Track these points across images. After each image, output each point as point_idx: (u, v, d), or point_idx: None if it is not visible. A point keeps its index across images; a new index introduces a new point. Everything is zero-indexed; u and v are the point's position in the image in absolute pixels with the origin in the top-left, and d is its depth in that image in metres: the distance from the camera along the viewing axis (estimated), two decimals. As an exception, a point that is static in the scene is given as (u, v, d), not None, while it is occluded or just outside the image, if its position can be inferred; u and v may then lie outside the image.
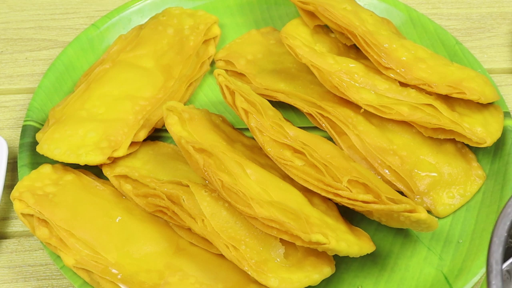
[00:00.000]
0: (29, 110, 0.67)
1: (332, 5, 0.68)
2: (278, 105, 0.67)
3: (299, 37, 0.69)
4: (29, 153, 0.64)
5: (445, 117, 0.63)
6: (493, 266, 0.41)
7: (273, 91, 0.68)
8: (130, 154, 0.64)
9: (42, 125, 0.66)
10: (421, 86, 0.65)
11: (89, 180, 0.62)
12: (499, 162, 0.65)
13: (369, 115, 0.65)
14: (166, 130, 0.65)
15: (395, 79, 0.66)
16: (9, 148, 0.66)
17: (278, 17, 0.77)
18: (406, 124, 0.65)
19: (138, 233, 0.58)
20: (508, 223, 0.43)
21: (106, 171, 0.62)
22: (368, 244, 0.57)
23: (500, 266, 0.41)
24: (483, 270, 0.57)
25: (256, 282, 0.54)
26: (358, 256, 0.56)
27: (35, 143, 0.64)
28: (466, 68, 0.68)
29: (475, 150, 0.66)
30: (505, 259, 0.48)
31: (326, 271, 0.55)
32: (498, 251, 0.42)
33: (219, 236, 0.55)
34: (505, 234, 0.43)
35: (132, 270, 0.56)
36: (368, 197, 0.56)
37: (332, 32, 0.71)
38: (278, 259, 0.55)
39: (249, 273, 0.54)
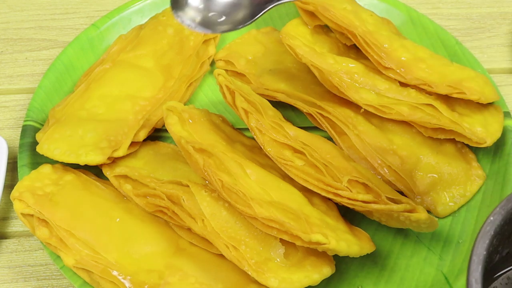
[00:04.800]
0: (29, 110, 0.67)
1: (332, 5, 0.68)
2: (278, 105, 0.67)
3: (299, 37, 0.69)
4: (29, 153, 0.64)
5: (445, 117, 0.63)
6: (473, 285, 0.41)
7: (273, 91, 0.68)
8: (130, 154, 0.64)
9: (42, 125, 0.66)
10: (421, 86, 0.65)
11: (89, 180, 0.62)
12: (499, 162, 0.65)
13: (369, 115, 0.65)
14: (166, 130, 0.65)
15: (395, 79, 0.66)
16: (9, 148, 0.66)
17: (278, 17, 0.77)
18: (406, 124, 0.65)
19: (138, 233, 0.58)
20: (487, 241, 0.43)
21: (106, 171, 0.62)
22: (368, 244, 0.57)
23: (480, 285, 0.41)
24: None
25: (256, 282, 0.55)
26: (358, 256, 0.56)
27: (35, 143, 0.64)
28: (466, 68, 0.68)
29: (475, 150, 0.66)
30: (506, 265, 0.48)
31: (326, 271, 0.55)
32: (477, 270, 0.42)
33: (219, 236, 0.55)
34: (484, 253, 0.43)
35: (132, 270, 0.56)
36: (368, 197, 0.56)
37: (332, 32, 0.71)
38: (278, 259, 0.55)
39: (249, 273, 0.54)
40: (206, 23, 0.51)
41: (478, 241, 0.43)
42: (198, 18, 0.50)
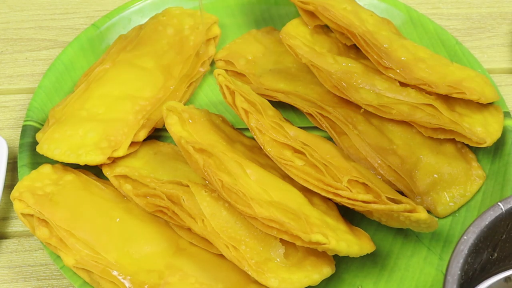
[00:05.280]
0: (29, 110, 0.67)
1: (332, 5, 0.68)
2: (278, 105, 0.67)
3: (299, 37, 0.69)
4: (29, 153, 0.64)
5: (445, 117, 0.63)
6: None
7: (273, 91, 0.68)
8: (130, 154, 0.64)
9: (42, 125, 0.66)
10: (421, 86, 0.65)
11: (89, 180, 0.62)
12: (499, 162, 0.65)
13: (369, 115, 0.65)
14: (166, 130, 0.65)
15: (395, 79, 0.66)
16: (9, 148, 0.66)
17: (278, 17, 0.77)
18: (406, 124, 0.65)
19: (138, 233, 0.58)
20: (462, 260, 0.43)
21: (106, 171, 0.62)
22: (368, 244, 0.57)
23: None
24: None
25: (256, 282, 0.54)
26: (358, 256, 0.56)
27: (35, 143, 0.64)
28: (466, 68, 0.68)
29: (475, 150, 0.66)
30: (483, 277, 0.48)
31: (326, 271, 0.55)
32: None
33: (219, 236, 0.55)
34: (459, 272, 0.43)
35: (132, 270, 0.56)
36: (368, 197, 0.56)
37: (332, 32, 0.71)
38: (278, 259, 0.55)
39: (249, 273, 0.54)
40: None
41: (452, 261, 0.43)
42: None
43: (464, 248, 0.44)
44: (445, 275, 0.42)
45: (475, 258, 0.46)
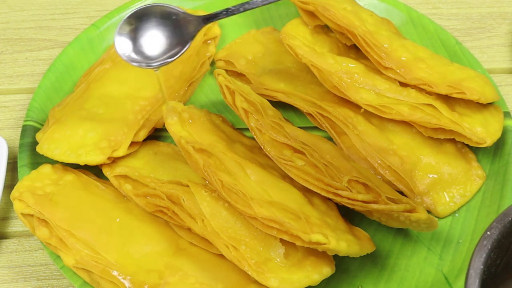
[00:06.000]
0: (29, 110, 0.67)
1: (332, 5, 0.68)
2: (278, 105, 0.67)
3: (299, 37, 0.69)
4: (29, 153, 0.64)
5: (445, 117, 0.63)
6: None
7: (273, 91, 0.68)
8: (130, 154, 0.64)
9: (42, 125, 0.66)
10: (421, 86, 0.65)
11: (89, 180, 0.62)
12: (499, 162, 0.65)
13: (369, 115, 0.65)
14: (166, 130, 0.65)
15: (395, 79, 0.66)
16: (9, 148, 0.66)
17: (278, 17, 0.77)
18: (406, 124, 0.65)
19: (138, 233, 0.58)
20: (484, 255, 0.44)
21: (106, 171, 0.62)
22: (368, 244, 0.57)
23: None
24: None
25: (256, 282, 0.55)
26: (358, 256, 0.56)
27: (35, 143, 0.64)
28: (466, 68, 0.68)
29: (475, 150, 0.66)
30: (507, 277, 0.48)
31: (326, 271, 0.55)
32: (474, 284, 0.42)
33: (219, 236, 0.55)
34: (481, 267, 0.43)
35: (132, 270, 0.56)
36: (368, 197, 0.56)
37: (332, 32, 0.71)
38: (278, 259, 0.55)
39: (249, 273, 0.54)
40: (148, 61, 0.59)
41: (475, 255, 0.43)
42: (139, 58, 0.59)
43: (487, 243, 0.44)
44: (468, 269, 0.43)
45: (498, 254, 0.46)
